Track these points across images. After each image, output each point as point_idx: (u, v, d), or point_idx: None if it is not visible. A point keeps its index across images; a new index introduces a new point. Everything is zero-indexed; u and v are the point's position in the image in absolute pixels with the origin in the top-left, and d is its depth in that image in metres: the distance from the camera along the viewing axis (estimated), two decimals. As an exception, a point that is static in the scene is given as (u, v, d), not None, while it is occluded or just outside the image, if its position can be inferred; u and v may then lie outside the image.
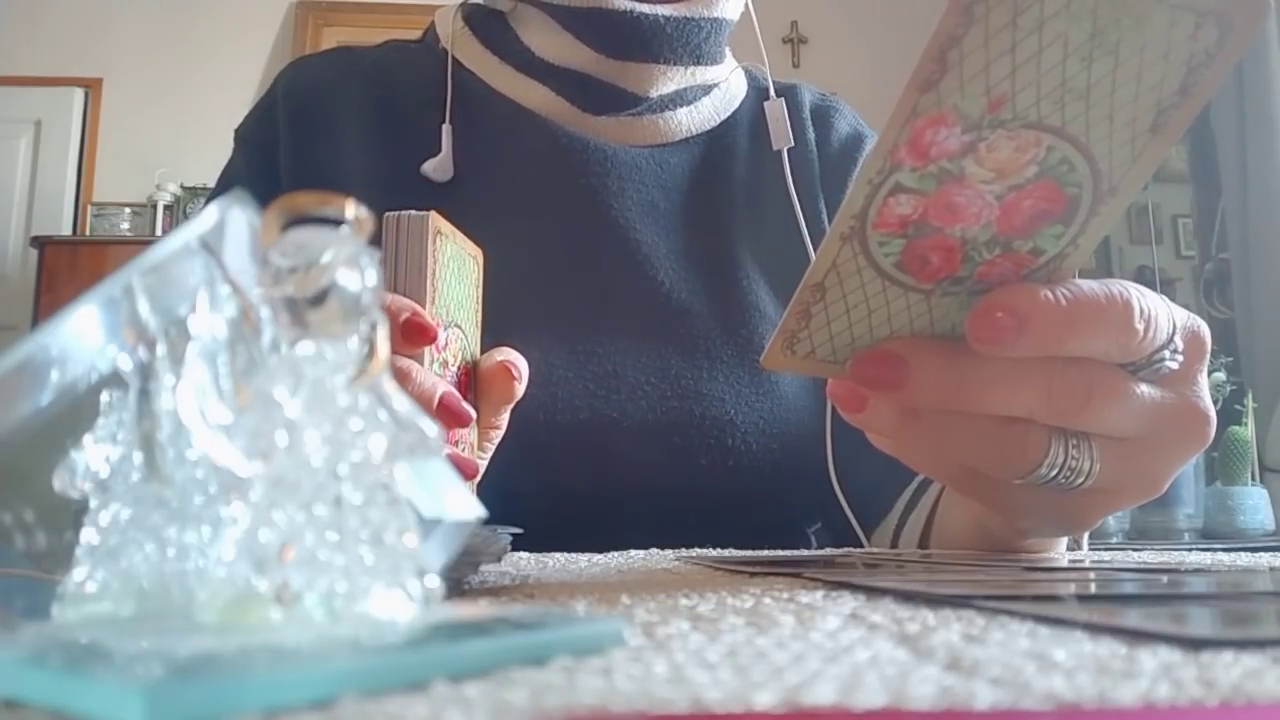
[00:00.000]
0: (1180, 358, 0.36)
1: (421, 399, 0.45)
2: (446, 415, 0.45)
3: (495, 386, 0.52)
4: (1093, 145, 0.32)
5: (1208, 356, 0.38)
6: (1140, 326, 0.34)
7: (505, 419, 0.54)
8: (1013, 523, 0.42)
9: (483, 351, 0.55)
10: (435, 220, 0.50)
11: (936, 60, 0.29)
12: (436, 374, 0.48)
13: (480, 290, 0.57)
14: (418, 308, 0.47)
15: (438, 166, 0.69)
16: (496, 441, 0.54)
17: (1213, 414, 0.38)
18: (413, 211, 0.50)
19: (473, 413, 0.48)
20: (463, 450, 0.49)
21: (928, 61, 0.29)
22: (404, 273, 0.49)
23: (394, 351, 0.45)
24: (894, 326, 0.36)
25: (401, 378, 0.44)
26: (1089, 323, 0.34)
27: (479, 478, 0.51)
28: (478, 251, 0.57)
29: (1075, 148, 0.32)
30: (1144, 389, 0.36)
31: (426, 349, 0.47)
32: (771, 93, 0.78)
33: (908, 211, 0.32)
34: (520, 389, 0.53)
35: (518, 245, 0.66)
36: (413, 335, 0.45)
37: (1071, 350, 0.34)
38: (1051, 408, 0.35)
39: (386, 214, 0.50)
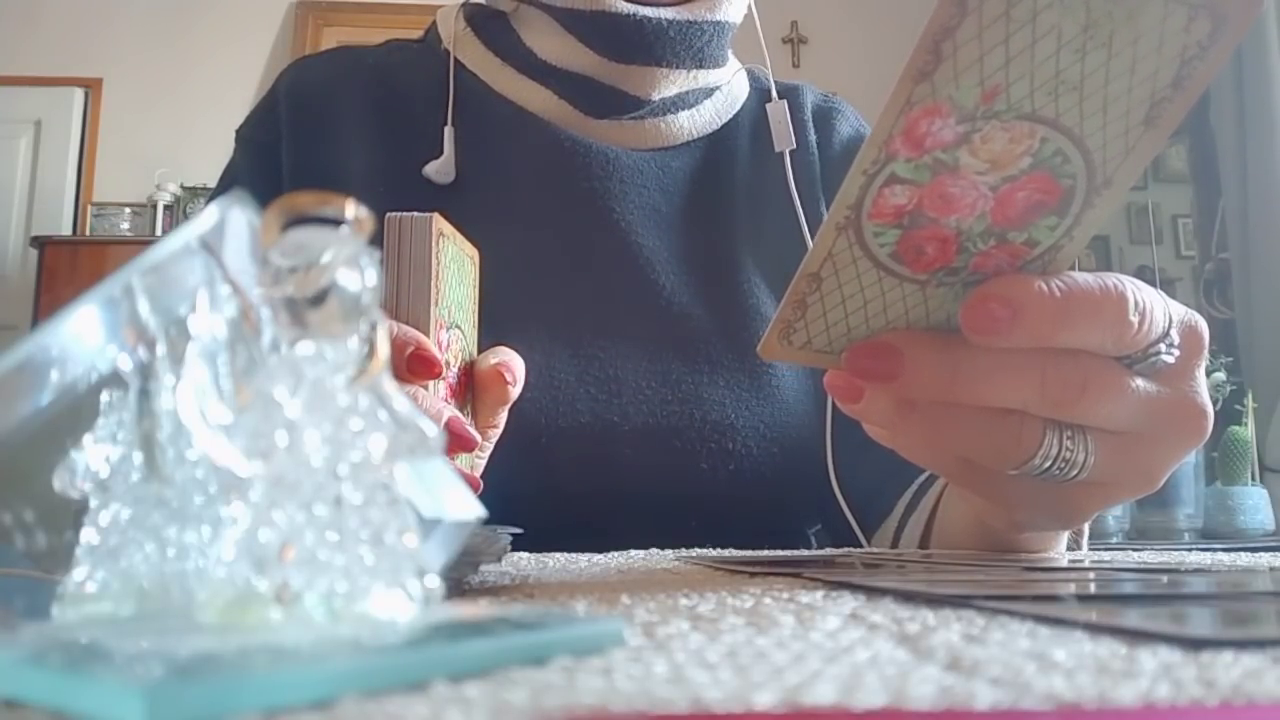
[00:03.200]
0: (1177, 352, 0.36)
1: None
2: (454, 440, 0.46)
3: (490, 389, 0.52)
4: (1087, 137, 0.32)
5: (1205, 351, 0.38)
6: (1135, 319, 0.34)
7: (503, 418, 0.54)
8: (1008, 515, 0.42)
9: (480, 351, 0.56)
10: (438, 222, 0.50)
11: (930, 51, 0.29)
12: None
13: (477, 290, 0.57)
14: (424, 339, 0.47)
15: (440, 169, 0.69)
16: (494, 439, 0.54)
17: (1210, 409, 0.38)
18: (415, 213, 0.50)
19: (479, 438, 0.49)
20: (459, 461, 0.50)
21: (922, 52, 0.29)
22: (408, 274, 0.49)
23: (400, 382, 0.46)
24: (889, 317, 0.36)
25: None
26: (1083, 315, 0.34)
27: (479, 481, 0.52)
28: (474, 252, 0.57)
29: (1069, 139, 0.32)
30: (1140, 383, 0.36)
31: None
32: (774, 94, 0.77)
33: (903, 202, 0.33)
34: (514, 392, 0.53)
35: (519, 249, 0.66)
36: (418, 368, 0.46)
37: (1065, 342, 0.34)
38: (1046, 400, 0.35)
39: (389, 215, 0.50)
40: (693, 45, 0.72)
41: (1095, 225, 0.34)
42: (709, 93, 0.76)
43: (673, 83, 0.73)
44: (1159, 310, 0.35)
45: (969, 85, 0.30)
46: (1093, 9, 0.29)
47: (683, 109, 0.75)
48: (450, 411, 0.47)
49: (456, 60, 0.75)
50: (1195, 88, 0.31)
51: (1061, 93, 0.31)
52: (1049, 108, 0.31)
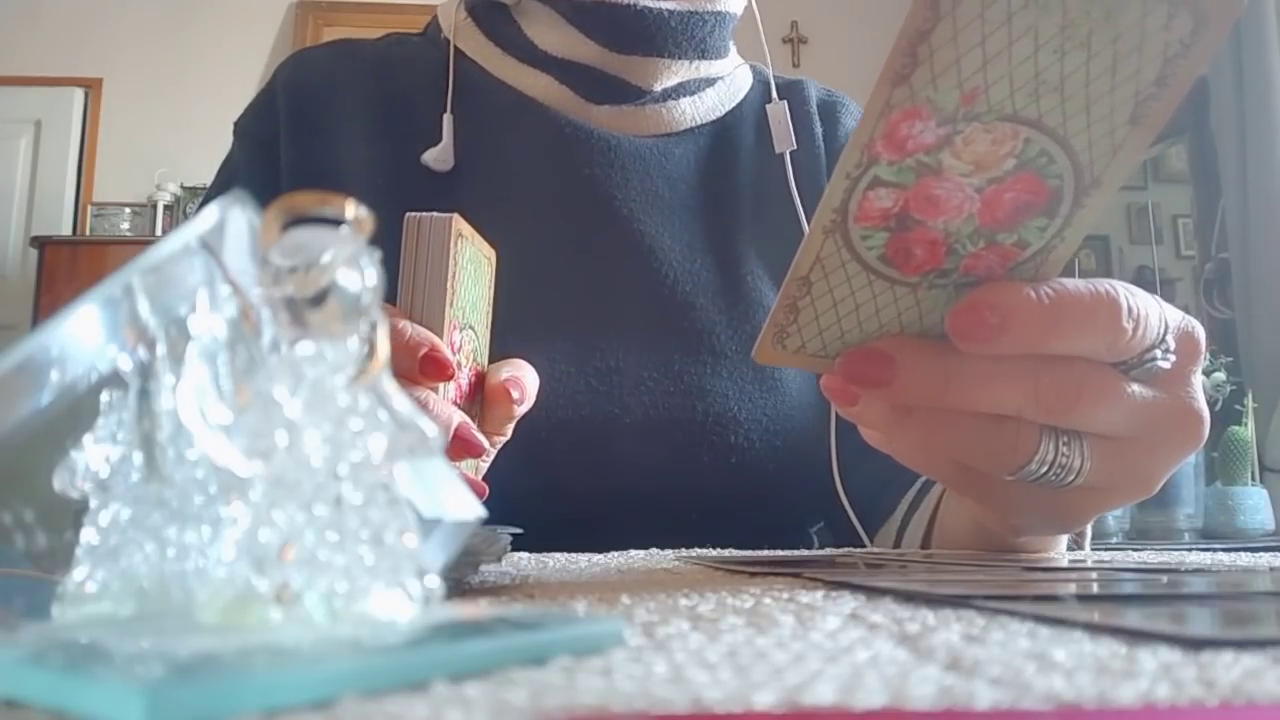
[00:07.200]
0: (1172, 357, 0.36)
1: None
2: (461, 446, 0.46)
3: (497, 405, 0.52)
4: (1071, 137, 0.32)
5: (1202, 357, 0.38)
6: (1129, 325, 0.34)
7: (510, 428, 0.53)
8: (1005, 519, 0.42)
9: (492, 353, 0.55)
10: (458, 223, 0.50)
11: (907, 54, 0.29)
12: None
13: (493, 291, 0.57)
14: (437, 341, 0.47)
15: (438, 156, 0.69)
16: (499, 446, 0.54)
17: (1206, 414, 0.38)
18: (435, 213, 0.50)
19: (486, 444, 0.49)
20: (463, 465, 0.50)
21: (898, 55, 0.29)
22: (424, 274, 0.49)
23: (411, 383, 0.45)
24: (882, 320, 0.36)
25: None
26: (1073, 321, 0.34)
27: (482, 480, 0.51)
28: (492, 253, 0.57)
29: (1053, 140, 0.32)
30: (1135, 388, 0.36)
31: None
32: (774, 94, 0.77)
33: (888, 205, 0.33)
34: (520, 410, 0.52)
35: (519, 237, 0.66)
36: (430, 370, 0.46)
37: (1057, 348, 0.34)
38: (1040, 406, 0.35)
39: (408, 214, 0.50)
40: (694, 36, 0.72)
41: (1087, 225, 0.34)
42: (711, 81, 0.76)
43: (674, 73, 0.73)
44: (1154, 316, 0.35)
45: (947, 88, 0.30)
46: (1069, 9, 0.29)
47: (684, 96, 0.75)
48: (460, 418, 0.47)
49: (456, 49, 0.74)
50: (1180, 85, 0.31)
51: (1042, 93, 0.31)
52: (1030, 109, 0.31)
